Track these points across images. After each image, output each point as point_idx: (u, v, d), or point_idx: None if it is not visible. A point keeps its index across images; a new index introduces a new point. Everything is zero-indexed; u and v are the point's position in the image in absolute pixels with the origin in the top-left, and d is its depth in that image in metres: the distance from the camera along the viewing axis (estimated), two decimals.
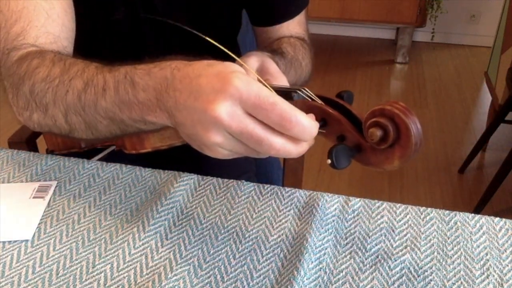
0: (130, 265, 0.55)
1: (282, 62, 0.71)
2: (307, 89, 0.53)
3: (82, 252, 0.57)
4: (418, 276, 0.54)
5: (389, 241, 0.58)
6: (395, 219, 0.61)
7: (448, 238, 0.59)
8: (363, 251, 0.57)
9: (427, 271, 0.55)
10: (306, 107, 0.52)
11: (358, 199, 0.64)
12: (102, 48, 0.81)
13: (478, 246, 0.58)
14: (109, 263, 0.55)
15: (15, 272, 0.54)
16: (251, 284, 0.53)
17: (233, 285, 0.53)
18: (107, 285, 0.53)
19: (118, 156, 0.77)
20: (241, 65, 0.53)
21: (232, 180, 0.67)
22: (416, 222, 0.61)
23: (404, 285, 0.53)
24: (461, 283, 0.53)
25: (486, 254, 0.57)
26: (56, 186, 0.66)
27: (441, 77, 2.77)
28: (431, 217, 0.62)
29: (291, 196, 0.65)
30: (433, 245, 0.58)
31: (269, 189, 0.66)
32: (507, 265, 0.56)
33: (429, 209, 0.63)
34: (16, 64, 0.62)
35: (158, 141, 0.71)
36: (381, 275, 0.54)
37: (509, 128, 2.15)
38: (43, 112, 0.59)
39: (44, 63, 0.59)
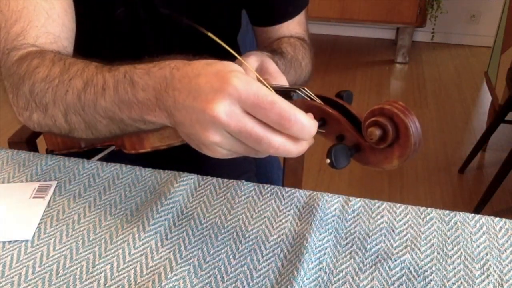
0: (130, 265, 0.55)
1: (282, 62, 0.71)
2: (306, 89, 0.53)
3: (82, 252, 0.57)
4: (418, 276, 0.54)
5: (389, 241, 0.58)
6: (395, 219, 0.61)
7: (448, 238, 0.59)
8: (363, 251, 0.57)
9: (427, 271, 0.55)
10: (305, 107, 0.52)
11: (358, 199, 0.64)
12: (102, 48, 0.81)
13: (478, 246, 0.58)
14: (109, 263, 0.55)
15: (15, 272, 0.54)
16: (251, 284, 0.53)
17: (233, 285, 0.53)
18: (107, 285, 0.53)
19: (118, 156, 0.77)
20: (241, 63, 0.53)
21: (232, 180, 0.67)
22: (416, 222, 0.61)
23: (404, 285, 0.53)
24: (461, 283, 0.53)
25: (486, 254, 0.57)
26: (56, 186, 0.66)
27: (441, 77, 2.77)
28: (431, 217, 0.62)
29: (291, 196, 0.65)
30: (433, 245, 0.58)
31: (269, 189, 0.66)
32: (507, 265, 0.56)
33: (429, 209, 0.63)
34: (16, 64, 0.62)
35: (158, 140, 0.71)
36: (381, 275, 0.54)
37: (509, 128, 2.15)
38: (43, 112, 0.59)
39: (44, 63, 0.59)
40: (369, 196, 0.67)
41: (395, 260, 0.56)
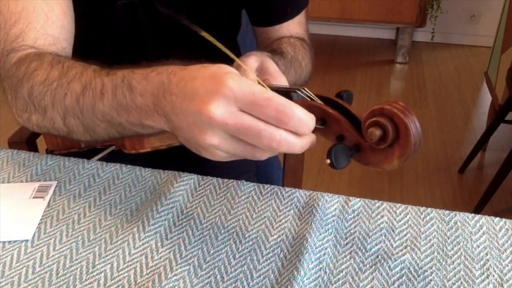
0: (130, 265, 0.55)
1: (282, 62, 0.71)
2: (306, 89, 0.53)
3: (82, 252, 0.57)
4: (418, 276, 0.54)
5: (389, 241, 0.58)
6: (395, 219, 0.61)
7: (448, 238, 0.59)
8: (363, 251, 0.57)
9: (427, 271, 0.55)
10: (305, 107, 0.52)
11: (358, 199, 0.64)
12: (102, 48, 0.81)
13: (478, 246, 0.58)
14: (109, 263, 0.55)
15: (15, 272, 0.54)
16: (251, 284, 0.53)
17: (233, 285, 0.53)
18: (107, 285, 0.53)
19: (118, 156, 0.77)
20: (239, 66, 0.53)
21: (232, 180, 0.67)
22: (416, 222, 0.61)
23: (404, 285, 0.53)
24: (461, 283, 0.53)
25: (486, 254, 0.57)
26: (56, 186, 0.66)
27: (441, 77, 2.77)
28: (431, 217, 0.62)
29: (291, 196, 0.65)
30: (433, 245, 0.58)
31: (269, 189, 0.66)
32: (507, 265, 0.56)
33: (429, 209, 0.63)
34: (15, 66, 0.62)
35: (158, 141, 0.71)
36: (381, 275, 0.54)
37: (509, 128, 2.15)
38: (41, 114, 0.59)
39: (43, 65, 0.59)
40: (369, 196, 0.67)
41: (395, 260, 0.56)
